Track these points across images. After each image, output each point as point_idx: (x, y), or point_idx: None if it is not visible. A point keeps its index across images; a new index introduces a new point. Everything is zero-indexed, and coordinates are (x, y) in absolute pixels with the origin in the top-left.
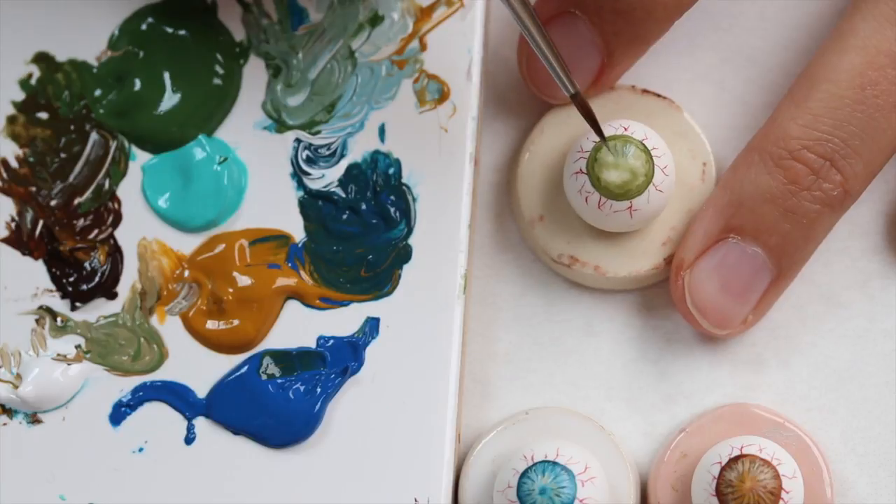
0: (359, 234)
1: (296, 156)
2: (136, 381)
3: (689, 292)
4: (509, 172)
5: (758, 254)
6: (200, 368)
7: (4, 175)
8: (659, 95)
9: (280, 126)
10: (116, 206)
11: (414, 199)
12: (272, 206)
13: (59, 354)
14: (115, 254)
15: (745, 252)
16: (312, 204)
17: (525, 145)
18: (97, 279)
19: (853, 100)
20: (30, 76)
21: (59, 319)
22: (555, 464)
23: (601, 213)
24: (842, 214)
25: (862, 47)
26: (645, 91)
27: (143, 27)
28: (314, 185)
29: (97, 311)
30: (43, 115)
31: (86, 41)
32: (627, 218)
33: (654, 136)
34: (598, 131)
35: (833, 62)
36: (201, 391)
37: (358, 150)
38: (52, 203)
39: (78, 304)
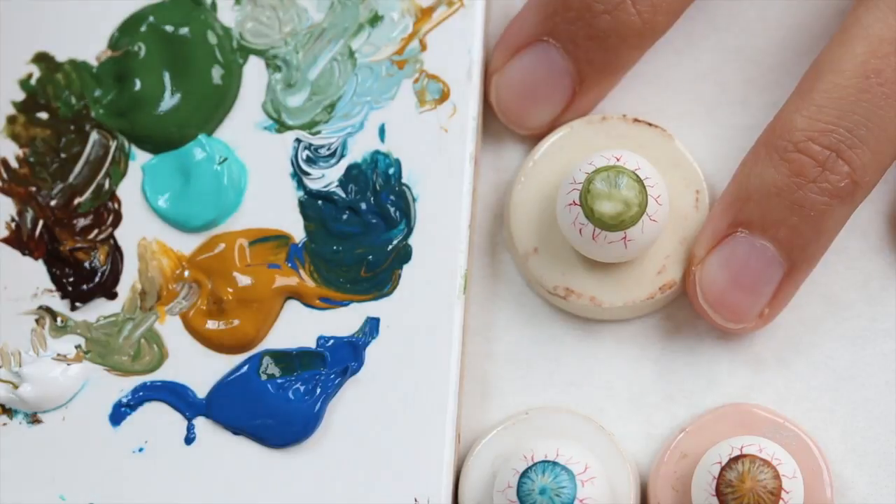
0: (359, 234)
1: (296, 156)
2: (136, 381)
3: (700, 288)
4: (502, 205)
5: (767, 247)
6: (200, 368)
7: (4, 175)
8: (651, 124)
9: (280, 126)
10: (116, 206)
11: (414, 199)
12: (272, 206)
13: (59, 354)
14: (115, 254)
15: (753, 246)
16: (312, 204)
17: (517, 177)
18: (97, 279)
19: (857, 89)
20: (30, 76)
21: (59, 319)
22: (555, 464)
23: (595, 245)
24: (855, 206)
25: (865, 37)
26: (637, 120)
27: (143, 27)
28: (314, 185)
29: (97, 311)
30: (43, 115)
31: (86, 41)
32: (622, 248)
33: (647, 166)
34: None
35: (837, 53)
36: (201, 391)
37: (358, 150)
38: (52, 203)
39: (78, 304)
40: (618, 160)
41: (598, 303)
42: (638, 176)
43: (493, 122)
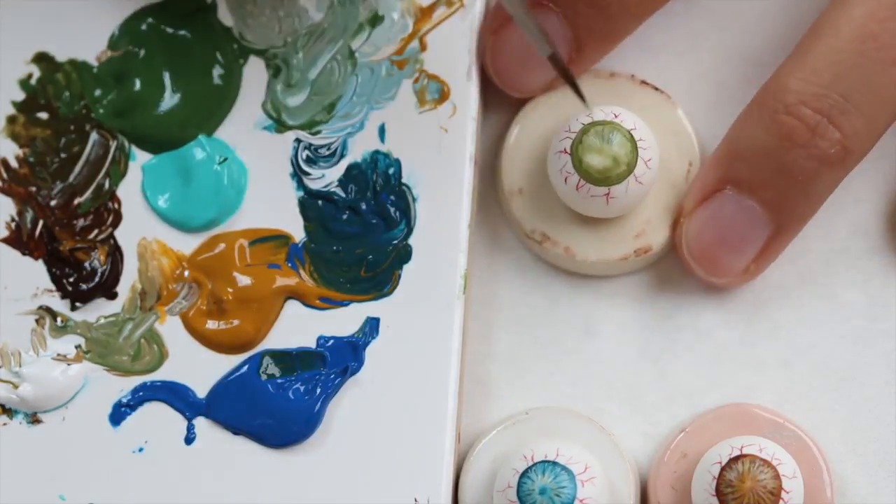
0: (359, 234)
1: (296, 156)
2: (136, 381)
3: (685, 240)
4: (497, 144)
5: (754, 207)
6: (200, 368)
7: (4, 175)
8: (657, 89)
9: (280, 126)
10: (116, 206)
11: (414, 199)
12: (272, 206)
13: (59, 354)
14: (115, 254)
15: (740, 204)
16: (312, 204)
17: (516, 119)
18: (97, 279)
19: (853, 52)
20: (30, 76)
21: (59, 319)
22: (555, 464)
23: (578, 195)
24: (846, 171)
25: (863, 0)
26: (644, 82)
27: (143, 27)
28: (314, 185)
29: (97, 311)
30: (43, 115)
31: (86, 41)
32: (603, 204)
33: (644, 128)
34: (578, 92)
35: (835, 16)
36: (201, 391)
37: (358, 150)
38: (52, 203)
39: (78, 304)
40: (616, 117)
41: (571, 254)
42: (632, 136)
43: (491, 122)
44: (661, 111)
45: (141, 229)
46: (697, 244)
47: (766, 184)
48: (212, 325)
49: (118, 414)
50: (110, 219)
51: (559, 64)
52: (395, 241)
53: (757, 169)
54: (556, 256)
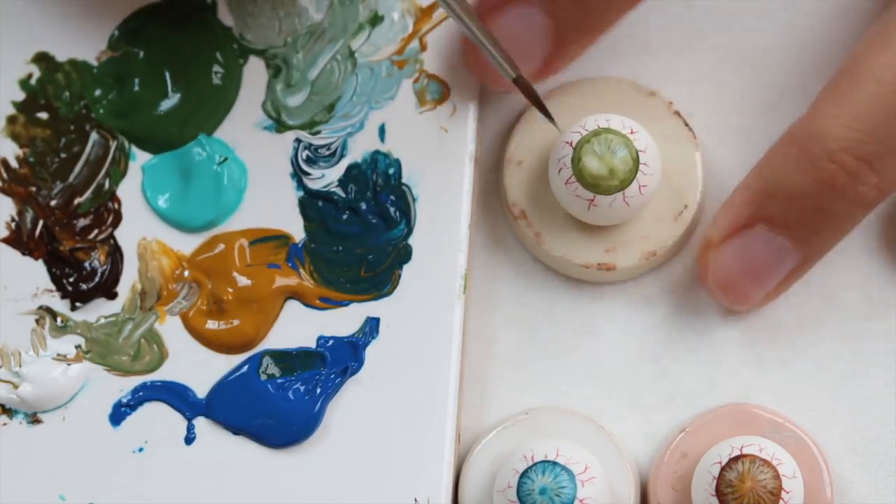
0: (359, 234)
1: (296, 156)
2: (136, 381)
3: (712, 271)
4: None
5: (784, 244)
6: (200, 368)
7: (4, 175)
8: (687, 125)
9: (280, 126)
10: (116, 206)
11: (414, 199)
12: (272, 206)
13: (59, 354)
14: (115, 254)
15: (771, 241)
16: (312, 204)
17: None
18: (97, 279)
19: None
20: (30, 76)
21: (59, 319)
22: (555, 464)
23: (565, 190)
24: (872, 209)
25: None
26: (677, 113)
27: (144, 27)
28: (314, 185)
29: (97, 311)
30: (43, 115)
31: (86, 41)
32: (584, 208)
33: (654, 155)
34: (545, 113)
35: (876, 60)
36: (201, 391)
37: (358, 150)
38: (52, 203)
39: (78, 304)
40: (632, 133)
41: (539, 241)
42: (638, 157)
43: (491, 123)
44: (680, 146)
45: (141, 229)
46: (724, 276)
47: (800, 224)
48: (212, 325)
49: (118, 414)
50: (110, 219)
51: (526, 87)
52: (395, 241)
53: (793, 210)
54: (526, 238)
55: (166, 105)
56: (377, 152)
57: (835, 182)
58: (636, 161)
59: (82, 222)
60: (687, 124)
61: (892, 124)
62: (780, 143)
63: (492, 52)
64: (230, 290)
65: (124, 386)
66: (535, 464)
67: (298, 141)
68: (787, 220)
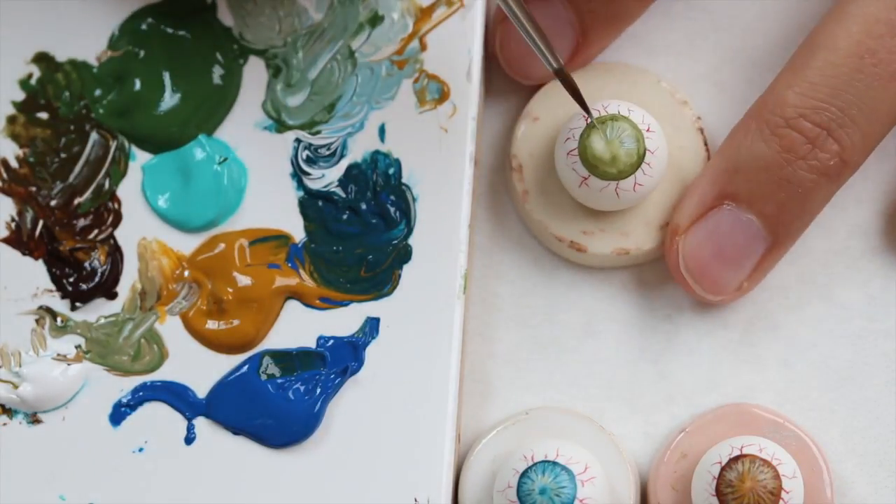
0: (359, 234)
1: (296, 156)
2: (136, 381)
3: (682, 258)
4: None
5: (752, 221)
6: (200, 368)
7: (4, 175)
8: (706, 143)
9: (280, 126)
10: (116, 206)
11: (414, 199)
12: (272, 206)
13: (59, 354)
14: (115, 254)
15: (739, 219)
16: (312, 204)
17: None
18: (97, 279)
19: (851, 68)
20: (30, 76)
21: (59, 319)
22: (555, 464)
23: (565, 158)
24: (840, 185)
25: (860, 15)
26: (700, 130)
27: (143, 27)
28: (314, 185)
29: (97, 311)
30: (43, 115)
31: (86, 41)
32: (576, 181)
33: (661, 156)
34: (585, 107)
35: (831, 31)
36: (201, 391)
37: (358, 150)
38: (52, 203)
39: (78, 304)
40: (648, 130)
41: (525, 199)
42: (644, 155)
43: (491, 122)
44: (694, 164)
45: (141, 229)
46: (695, 261)
47: (766, 198)
48: (212, 325)
49: (118, 414)
50: (110, 219)
51: (566, 78)
52: (395, 241)
53: (757, 182)
54: (514, 192)
55: (166, 105)
56: (377, 152)
57: (795, 148)
58: (640, 158)
59: (82, 222)
60: (706, 143)
61: (848, 90)
62: (740, 122)
63: (537, 42)
64: (230, 290)
65: (124, 386)
66: (535, 464)
67: (298, 141)
68: (752, 194)
